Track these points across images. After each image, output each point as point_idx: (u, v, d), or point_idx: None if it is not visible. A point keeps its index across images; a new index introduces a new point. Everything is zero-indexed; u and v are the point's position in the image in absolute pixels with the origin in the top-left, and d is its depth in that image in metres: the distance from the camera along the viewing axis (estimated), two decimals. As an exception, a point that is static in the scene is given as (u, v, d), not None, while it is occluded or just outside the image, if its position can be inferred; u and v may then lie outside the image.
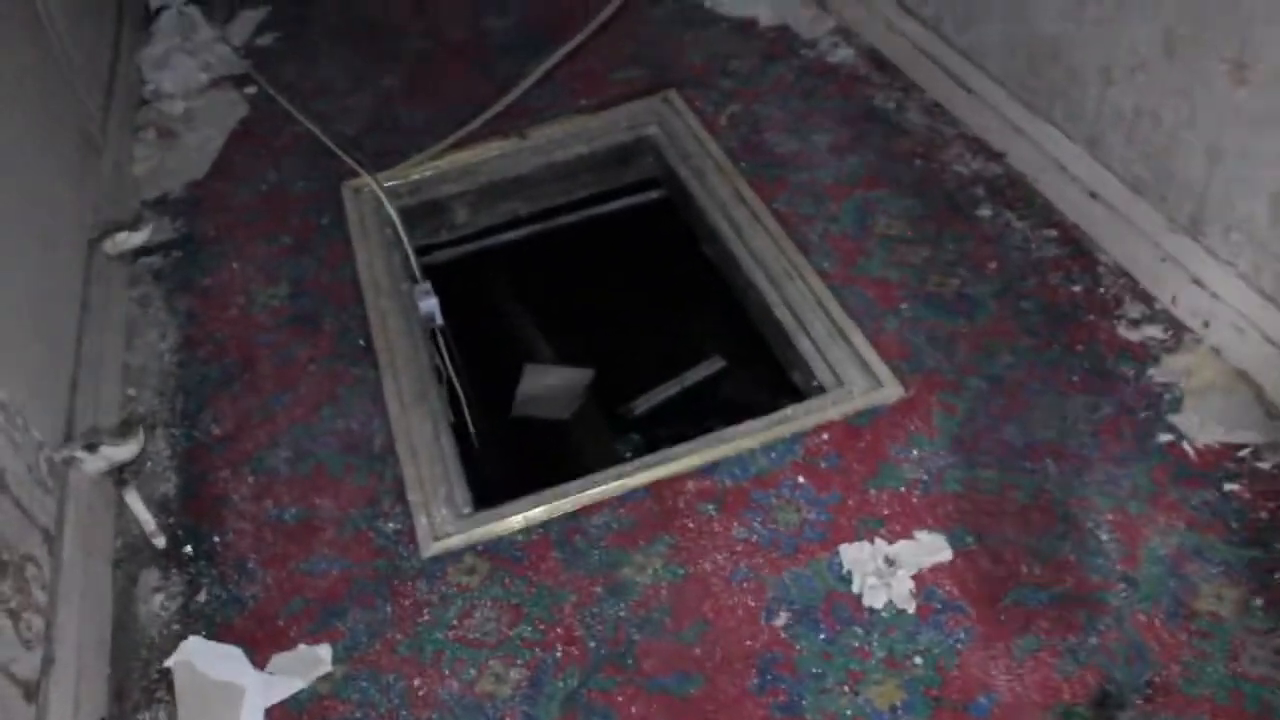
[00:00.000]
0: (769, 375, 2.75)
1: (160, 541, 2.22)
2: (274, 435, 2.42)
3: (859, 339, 2.38)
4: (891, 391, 2.27)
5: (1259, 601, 1.84)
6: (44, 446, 2.13)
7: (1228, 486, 2.02)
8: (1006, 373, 2.27)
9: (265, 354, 2.61)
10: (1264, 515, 1.96)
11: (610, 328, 3.76)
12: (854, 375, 2.33)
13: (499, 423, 3.51)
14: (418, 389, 2.47)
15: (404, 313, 2.69)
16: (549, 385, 3.80)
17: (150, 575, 2.18)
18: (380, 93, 3.45)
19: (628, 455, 3.44)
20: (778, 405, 3.33)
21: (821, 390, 2.37)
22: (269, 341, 2.64)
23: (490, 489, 2.99)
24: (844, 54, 3.21)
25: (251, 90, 3.55)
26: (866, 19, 3.24)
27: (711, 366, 3.87)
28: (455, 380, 2.88)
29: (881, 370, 2.31)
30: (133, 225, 2.84)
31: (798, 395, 2.54)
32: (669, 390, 3.83)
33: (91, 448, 2.23)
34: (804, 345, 2.44)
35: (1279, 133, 1.96)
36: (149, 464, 2.40)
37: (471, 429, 3.16)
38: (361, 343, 2.60)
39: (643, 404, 3.80)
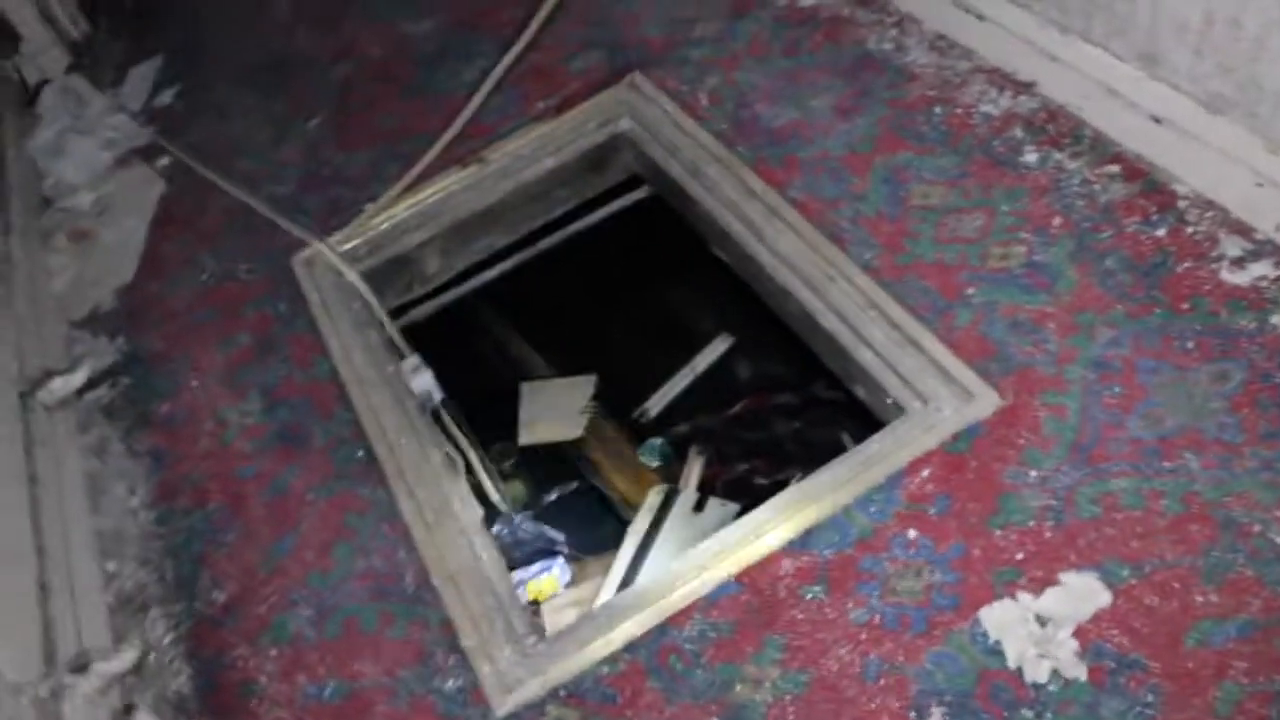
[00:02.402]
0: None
1: (189, 756, 1.89)
2: (287, 591, 2.08)
3: (930, 342, 2.05)
4: (986, 401, 1.95)
5: None
6: (23, 689, 1.79)
7: (1404, 448, 1.73)
8: (1111, 353, 1.95)
9: (254, 490, 2.26)
10: None
11: (620, 340, 3.43)
12: (936, 387, 2.00)
13: (531, 479, 3.21)
14: (439, 499, 2.13)
15: (399, 403, 2.34)
16: (552, 402, 3.48)
17: (187, 801, 1.87)
18: (308, 138, 3.04)
19: (654, 466, 3.18)
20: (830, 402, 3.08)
21: (899, 409, 2.04)
22: (254, 473, 2.29)
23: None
24: (819, -7, 2.83)
25: (164, 161, 3.13)
26: (833, -53, 2.85)
27: (720, 346, 3.56)
28: (477, 463, 2.56)
29: (967, 376, 1.98)
30: (68, 367, 2.47)
31: (866, 413, 2.23)
32: (681, 381, 3.53)
33: (81, 669, 1.89)
34: (865, 357, 2.11)
35: None
36: (152, 656, 2.06)
37: (503, 504, 2.85)
38: (361, 454, 2.25)
39: (656, 403, 3.49)
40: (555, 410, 3.38)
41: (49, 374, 2.43)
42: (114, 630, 2.12)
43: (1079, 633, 1.66)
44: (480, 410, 2.97)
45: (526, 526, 3.12)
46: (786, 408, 3.21)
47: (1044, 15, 2.30)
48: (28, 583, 2.02)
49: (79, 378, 2.48)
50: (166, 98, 3.39)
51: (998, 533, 1.80)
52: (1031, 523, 1.79)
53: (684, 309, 3.54)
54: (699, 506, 2.72)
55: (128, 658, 1.97)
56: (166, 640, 2.08)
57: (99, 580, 2.20)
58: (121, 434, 2.46)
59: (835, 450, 2.92)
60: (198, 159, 3.05)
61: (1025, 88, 2.40)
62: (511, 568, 2.84)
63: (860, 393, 2.20)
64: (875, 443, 1.97)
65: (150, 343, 2.63)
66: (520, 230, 2.81)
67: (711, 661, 1.78)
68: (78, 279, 2.86)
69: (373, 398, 2.32)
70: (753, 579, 1.85)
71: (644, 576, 2.57)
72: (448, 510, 2.12)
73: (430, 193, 2.72)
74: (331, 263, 2.62)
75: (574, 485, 3.29)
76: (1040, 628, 1.68)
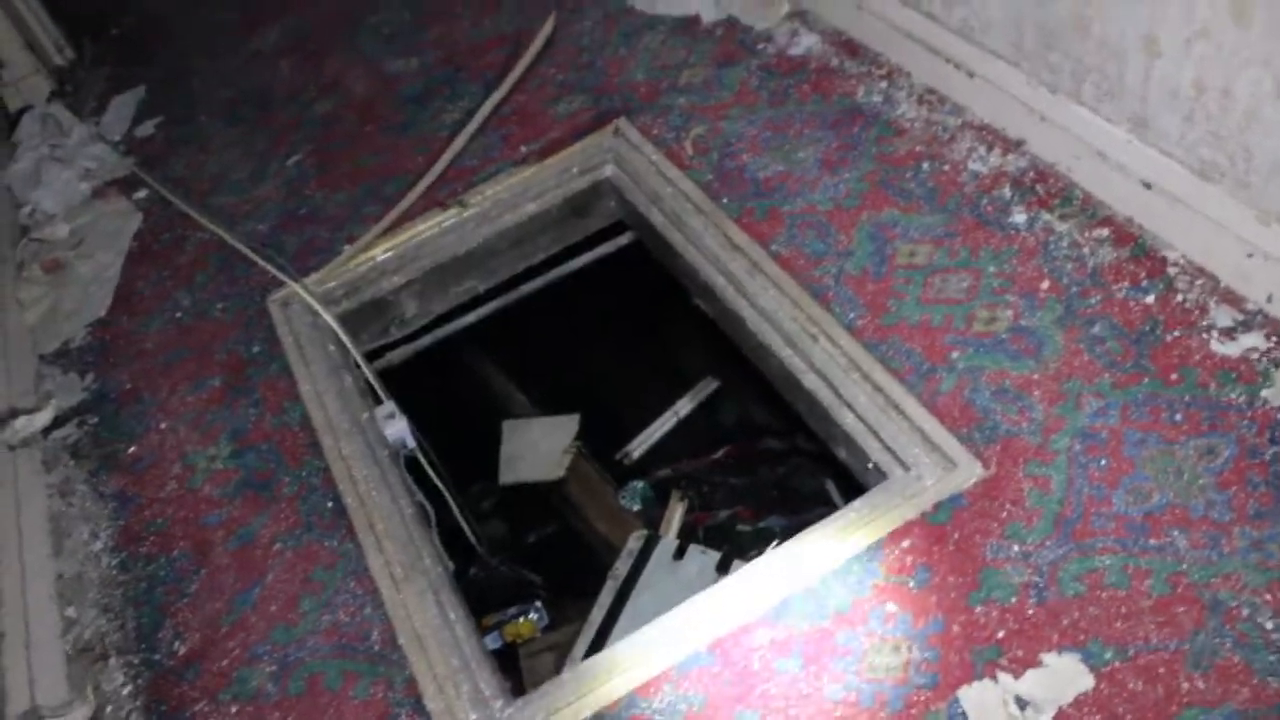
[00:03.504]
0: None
1: (141, 820, 1.83)
2: (250, 645, 2.02)
3: (913, 407, 2.01)
4: (969, 471, 1.90)
5: None
6: (-29, 748, 1.73)
7: (1396, 533, 1.69)
8: (1098, 423, 1.91)
9: (219, 538, 2.20)
10: None
11: (604, 381, 3.40)
12: (918, 454, 1.96)
13: (510, 519, 3.16)
14: (409, 555, 2.08)
15: (371, 451, 2.29)
16: (534, 442, 3.43)
17: None
18: (288, 175, 3.01)
19: (635, 510, 3.13)
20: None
21: (880, 475, 2.00)
22: (220, 520, 2.23)
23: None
24: (808, 43, 2.79)
25: (142, 194, 3.10)
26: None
27: (704, 390, 3.53)
28: (454, 506, 2.51)
29: (950, 444, 1.94)
30: (35, 405, 2.41)
31: (845, 474, 2.19)
32: (664, 424, 3.49)
33: (31, 729, 1.83)
34: (847, 420, 2.07)
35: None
36: (109, 708, 2.00)
37: (480, 548, 2.81)
38: (330, 504, 2.20)
39: (639, 445, 3.45)
40: (537, 450, 3.34)
41: (14, 412, 2.37)
42: (70, 680, 2.06)
43: (1060, 717, 1.61)
44: (460, 450, 2.93)
45: (504, 568, 3.08)
46: (771, 454, 3.17)
47: (1034, 74, 2.27)
48: (-19, 633, 1.96)
49: (45, 416, 2.43)
50: (147, 128, 3.35)
51: (978, 609, 1.75)
52: (1013, 599, 1.75)
53: (669, 352, 3.51)
54: (680, 553, 2.67)
55: (80, 714, 1.91)
56: (124, 692, 2.02)
57: (57, 627, 2.14)
58: (87, 475, 2.41)
59: (820, 498, 2.90)
60: (176, 193, 3.01)
61: (1014, 146, 2.37)
62: (488, 610, 2.81)
63: (841, 454, 2.16)
64: (854, 510, 1.93)
65: (120, 381, 2.58)
66: (501, 274, 2.77)
67: (682, 737, 1.73)
68: (51, 312, 2.81)
69: (344, 446, 2.27)
70: (725, 650, 1.80)
71: (622, 624, 2.53)
72: (417, 565, 2.06)
73: (410, 235, 2.68)
74: (307, 304, 2.58)
75: (553, 527, 3.25)
76: (1020, 711, 1.63)
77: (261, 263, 2.70)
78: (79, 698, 1.93)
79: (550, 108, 2.90)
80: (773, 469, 3.15)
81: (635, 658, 1.83)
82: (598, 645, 2.49)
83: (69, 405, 2.55)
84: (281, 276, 2.64)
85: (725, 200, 2.48)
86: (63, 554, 2.27)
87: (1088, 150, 2.20)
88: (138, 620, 2.12)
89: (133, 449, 2.42)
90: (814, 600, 1.82)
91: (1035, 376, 2.00)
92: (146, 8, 4.05)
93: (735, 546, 2.69)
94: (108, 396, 2.56)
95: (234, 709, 1.95)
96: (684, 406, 3.46)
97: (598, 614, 2.59)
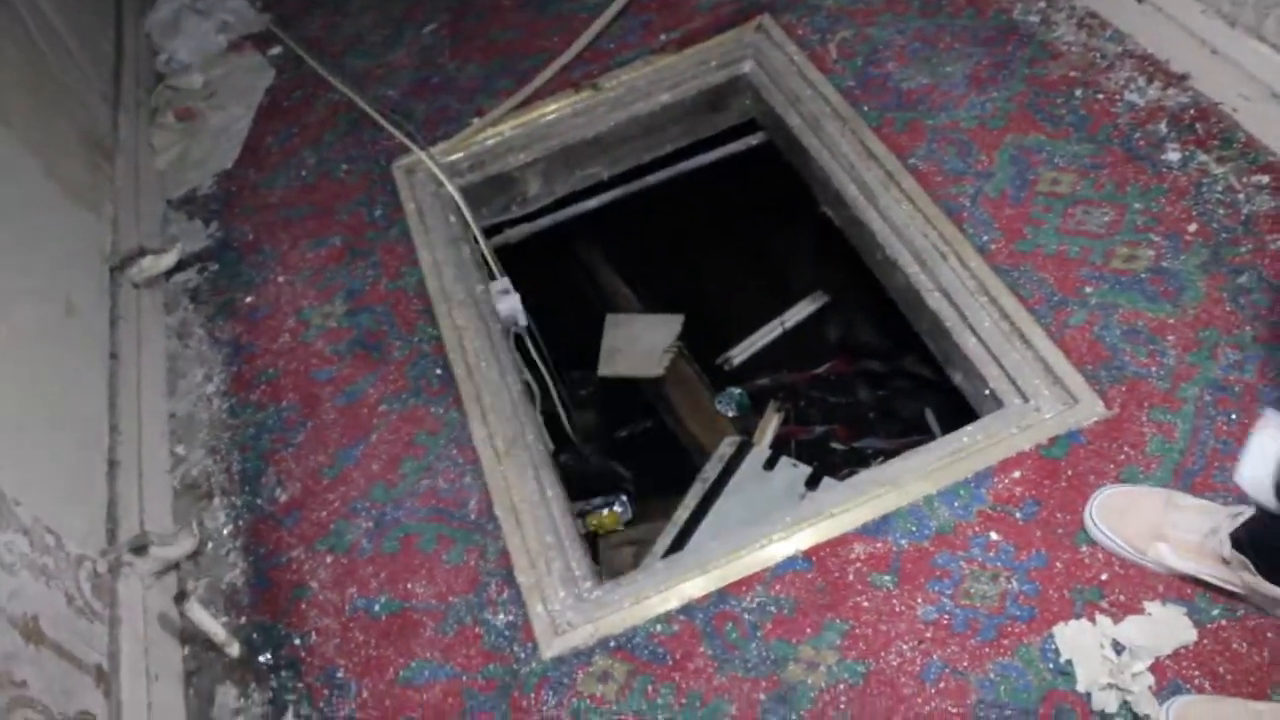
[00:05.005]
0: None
1: (234, 649, 1.89)
2: (349, 500, 2.06)
3: (1039, 337, 1.95)
4: (1090, 409, 1.85)
5: None
6: (84, 561, 1.79)
7: None
8: (1233, 376, 1.83)
9: (327, 393, 2.24)
10: None
11: (712, 284, 3.36)
12: (1039, 386, 1.90)
13: (605, 411, 3.18)
14: (512, 429, 2.09)
15: (483, 324, 2.29)
16: (635, 337, 3.43)
17: (227, 693, 1.87)
18: (423, 43, 2.99)
19: (730, 415, 3.12)
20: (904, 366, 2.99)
21: (997, 402, 1.95)
22: (330, 376, 2.26)
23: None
24: (967, -47, 2.68)
25: (276, 51, 3.11)
26: (989, -95, 2.69)
27: (813, 303, 3.47)
28: (554, 391, 2.52)
29: (1074, 379, 1.88)
30: (161, 246, 2.46)
31: (953, 395, 2.15)
32: (769, 333, 3.45)
33: (140, 550, 1.89)
34: (969, 344, 2.02)
35: None
36: (210, 545, 2.06)
37: (574, 436, 2.82)
38: (439, 371, 2.21)
39: (740, 352, 3.42)
40: (638, 345, 3.34)
41: (143, 250, 2.42)
42: (175, 514, 2.13)
43: (1157, 667, 1.57)
44: (561, 337, 2.93)
45: (594, 458, 3.10)
46: (872, 375, 3.13)
47: (1211, 4, 2.15)
48: (98, 458, 2.02)
49: (170, 259, 2.47)
50: (286, -16, 3.35)
51: (1084, 548, 1.71)
52: (1122, 543, 1.70)
53: (782, 261, 3.46)
54: (770, 464, 2.66)
55: (186, 544, 1.97)
56: (225, 531, 2.08)
57: (166, 463, 2.20)
58: (204, 320, 2.46)
59: (918, 426, 2.85)
60: (310, 52, 3.01)
61: (1177, 80, 2.25)
62: (574, 497, 2.84)
63: (957, 378, 2.11)
64: (967, 435, 1.89)
65: (242, 232, 2.62)
66: (627, 162, 2.73)
67: (768, 636, 1.72)
68: (180, 159, 2.84)
69: (458, 316, 2.28)
70: (821, 558, 1.79)
71: (705, 527, 2.53)
72: (520, 441, 2.08)
73: (539, 114, 2.66)
74: (432, 173, 2.58)
75: (647, 424, 3.26)
76: (1116, 655, 1.59)
77: (389, 128, 2.70)
78: (185, 530, 1.99)
79: (693, -1, 2.83)
80: (873, 390, 3.10)
81: (728, 555, 1.82)
82: (678, 545, 2.50)
83: (192, 251, 2.59)
84: (408, 143, 2.64)
85: (865, 108, 2.41)
86: (176, 394, 2.33)
87: (1261, 90, 2.08)
88: (243, 464, 2.17)
89: (250, 299, 2.46)
90: (916, 519, 1.79)
91: (1171, 321, 1.92)
92: None
93: (826, 464, 2.67)
94: (229, 245, 2.60)
95: (328, 559, 1.99)
96: (790, 318, 3.41)
97: (682, 514, 2.60)
